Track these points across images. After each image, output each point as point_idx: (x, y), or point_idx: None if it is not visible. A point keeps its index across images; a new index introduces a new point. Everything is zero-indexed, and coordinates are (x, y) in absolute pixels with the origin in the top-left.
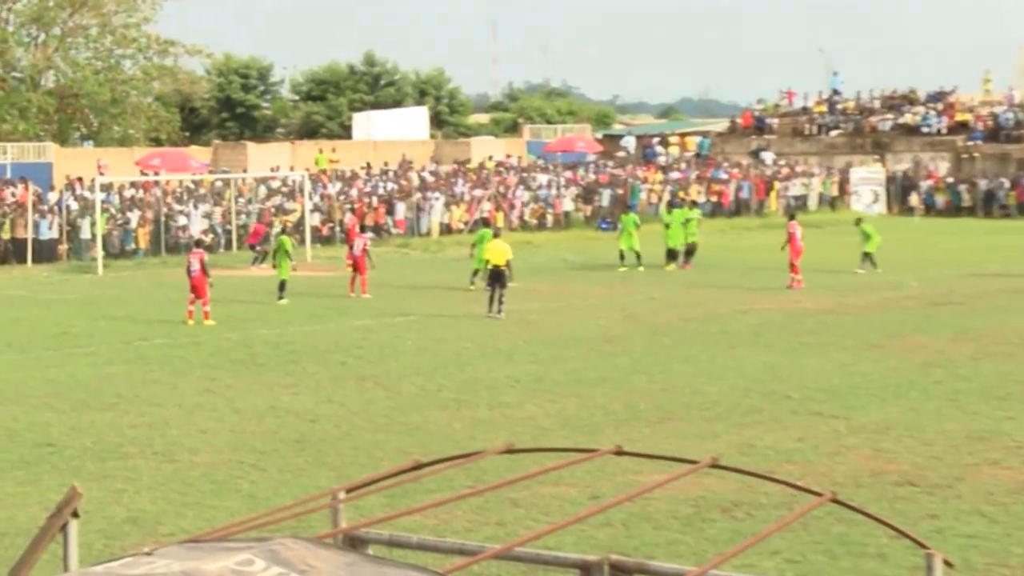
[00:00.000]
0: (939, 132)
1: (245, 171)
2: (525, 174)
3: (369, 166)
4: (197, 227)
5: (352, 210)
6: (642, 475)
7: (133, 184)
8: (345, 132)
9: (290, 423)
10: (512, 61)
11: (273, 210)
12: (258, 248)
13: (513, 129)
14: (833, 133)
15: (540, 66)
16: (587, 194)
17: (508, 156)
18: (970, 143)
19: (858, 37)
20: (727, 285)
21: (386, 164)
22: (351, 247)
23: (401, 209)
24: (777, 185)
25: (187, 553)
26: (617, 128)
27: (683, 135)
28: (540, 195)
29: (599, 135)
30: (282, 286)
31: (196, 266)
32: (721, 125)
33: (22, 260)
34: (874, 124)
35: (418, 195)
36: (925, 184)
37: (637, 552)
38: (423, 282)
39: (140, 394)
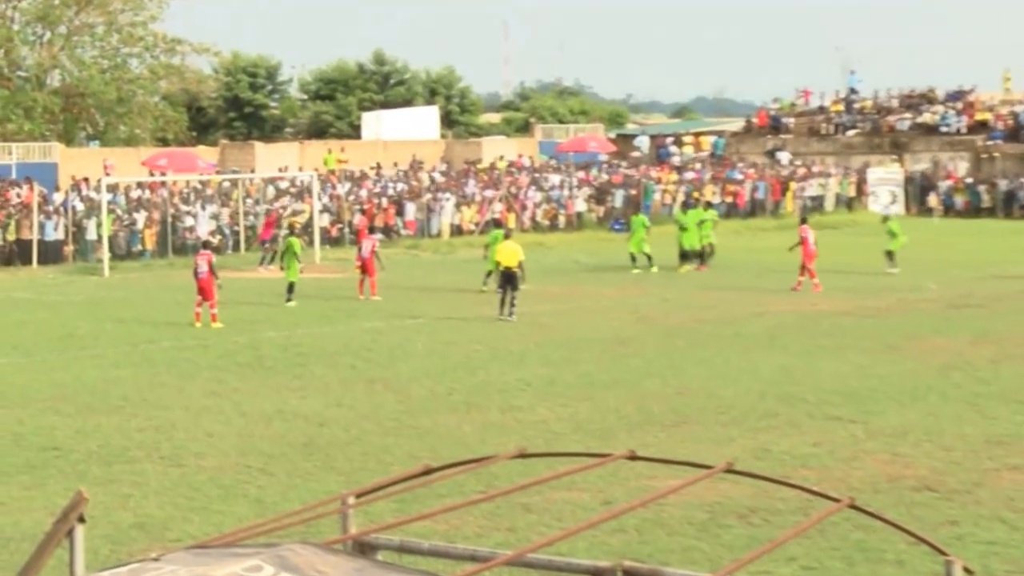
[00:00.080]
0: (958, 132)
1: (253, 171)
2: (537, 174)
3: (379, 166)
4: (204, 228)
5: (362, 211)
6: (656, 480)
7: (139, 185)
8: (354, 132)
9: (298, 427)
10: (524, 60)
11: (281, 211)
12: (267, 245)
13: (525, 129)
14: (850, 133)
15: (552, 65)
16: (600, 195)
17: (520, 156)
18: (990, 143)
19: (876, 35)
20: (742, 287)
21: (396, 164)
22: (359, 249)
23: (411, 210)
24: (793, 186)
25: (195, 559)
26: (630, 128)
27: (697, 135)
28: (552, 196)
29: (612, 135)
30: (290, 288)
31: (204, 268)
32: (736, 124)
33: (27, 262)
34: (892, 123)
35: (428, 196)
36: (944, 185)
37: (651, 559)
38: (433, 284)
39: (147, 397)
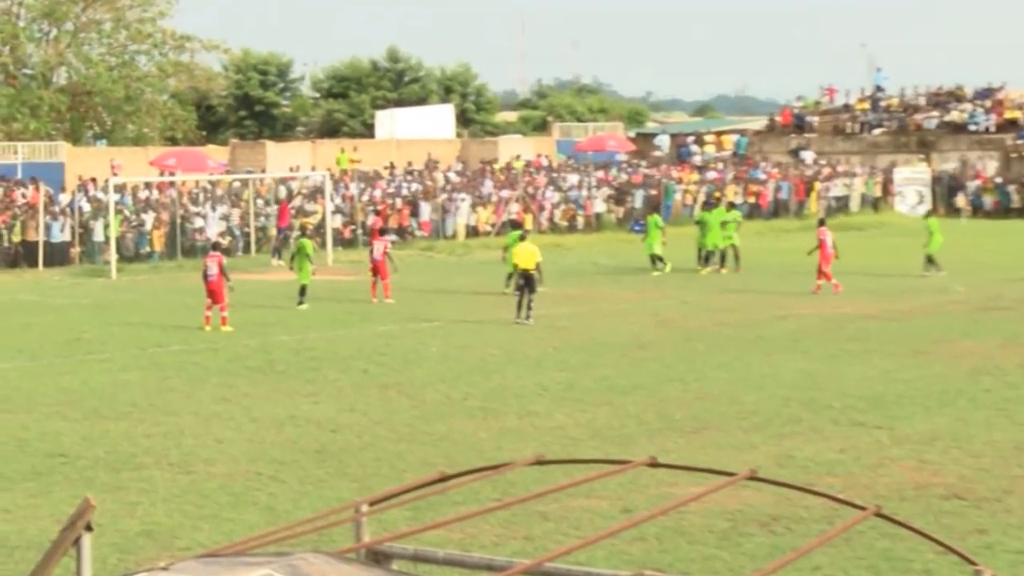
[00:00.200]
0: (987, 130)
1: (264, 171)
2: (555, 174)
3: (392, 166)
4: (214, 229)
5: (376, 212)
6: (677, 487)
7: (148, 185)
8: (367, 131)
9: (310, 433)
10: (541, 57)
11: (294, 212)
12: (281, 236)
13: (542, 127)
14: (876, 131)
15: (570, 62)
16: (619, 195)
17: (541, 156)
18: (1019, 141)
19: (903, 31)
20: (764, 289)
21: (410, 164)
22: (371, 251)
23: (426, 211)
24: (818, 186)
25: (204, 568)
26: (650, 126)
27: (719, 133)
28: (570, 196)
29: (632, 134)
30: (302, 291)
31: (214, 270)
32: (759, 123)
33: (33, 263)
34: (919, 122)
35: (443, 196)
36: (972, 184)
37: (671, 568)
38: (448, 286)
39: (155, 402)
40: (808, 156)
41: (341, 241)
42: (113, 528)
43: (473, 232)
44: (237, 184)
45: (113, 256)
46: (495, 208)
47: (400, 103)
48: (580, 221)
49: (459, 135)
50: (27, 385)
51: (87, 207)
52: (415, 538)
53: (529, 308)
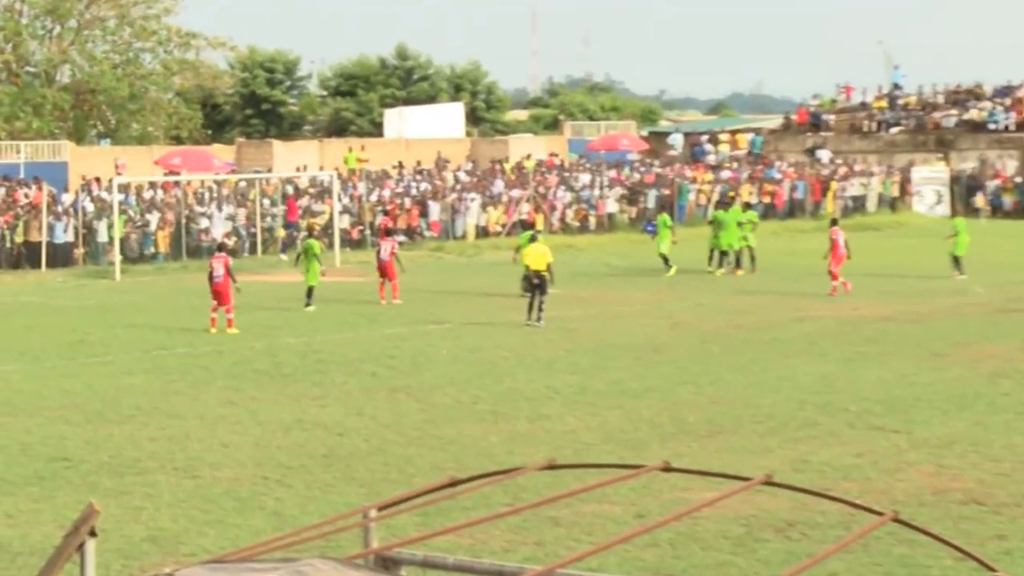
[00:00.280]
0: (1007, 129)
1: (270, 171)
2: (566, 174)
3: (401, 165)
4: (220, 230)
5: (385, 212)
6: (690, 492)
7: (152, 185)
8: (376, 129)
9: (318, 437)
10: (553, 54)
11: (301, 210)
12: (290, 231)
13: (553, 126)
14: (894, 130)
15: (582, 59)
16: (632, 195)
17: (553, 155)
18: None
19: (920, 27)
20: (780, 291)
21: (419, 163)
22: (378, 251)
23: (435, 211)
24: (834, 185)
25: (210, 574)
26: (664, 125)
27: (734, 132)
28: (582, 196)
29: (644, 132)
30: (310, 292)
31: (220, 271)
32: (774, 122)
33: (36, 264)
34: (937, 120)
35: (453, 196)
36: (992, 184)
37: (685, 574)
38: (458, 288)
39: (160, 406)
40: (824, 155)
41: (349, 242)
42: (117, 534)
43: (483, 233)
44: (243, 184)
45: (117, 257)
46: (505, 208)
47: (409, 101)
48: (592, 221)
49: (469, 134)
50: (30, 388)
51: (91, 207)
52: (424, 544)
53: (540, 310)
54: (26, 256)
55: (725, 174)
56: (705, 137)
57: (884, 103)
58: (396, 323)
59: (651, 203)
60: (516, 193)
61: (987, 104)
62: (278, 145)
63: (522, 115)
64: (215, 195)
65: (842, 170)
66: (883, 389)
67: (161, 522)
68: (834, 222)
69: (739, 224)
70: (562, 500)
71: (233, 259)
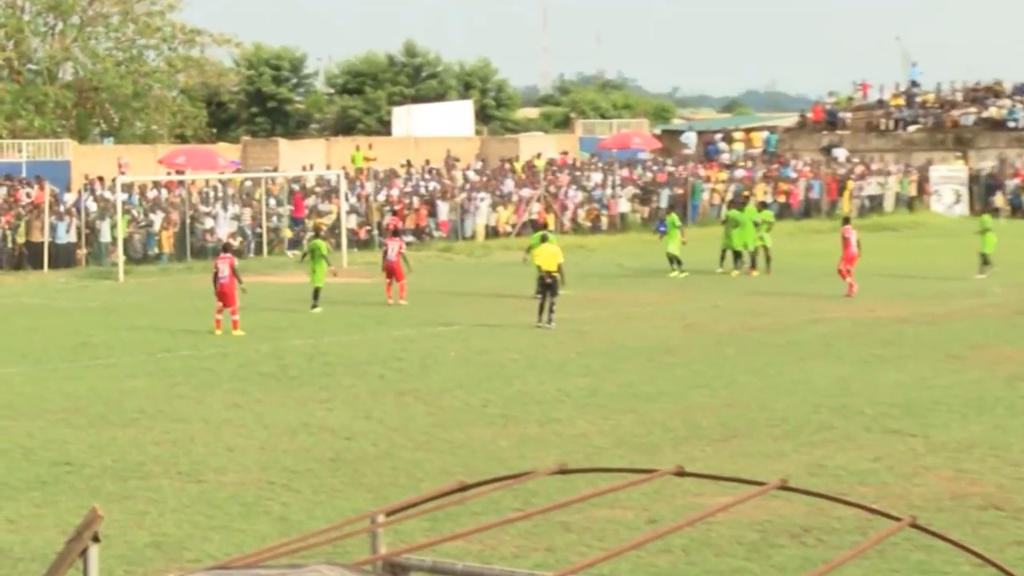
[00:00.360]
0: None
1: (276, 170)
2: (578, 173)
3: (409, 164)
4: (225, 230)
5: (393, 211)
6: (704, 497)
7: (156, 184)
8: (384, 128)
9: (324, 441)
10: (564, 51)
11: (308, 210)
12: (297, 229)
13: (565, 124)
14: (911, 128)
15: (594, 56)
16: (644, 194)
17: (564, 154)
18: None
19: (938, 24)
20: (795, 292)
21: (428, 162)
22: (385, 252)
23: (444, 210)
24: (850, 184)
25: None
26: (677, 123)
27: (748, 130)
28: (594, 195)
29: (657, 131)
30: (316, 294)
31: (226, 272)
32: (789, 120)
33: (38, 265)
34: (956, 118)
35: (462, 195)
36: (1011, 183)
37: None
38: (467, 289)
39: (164, 409)
40: (840, 154)
41: (356, 242)
42: (121, 539)
43: (493, 233)
44: (249, 183)
45: (120, 258)
46: (516, 208)
47: (417, 99)
48: (604, 221)
49: (478, 132)
50: (32, 391)
51: (94, 207)
52: (433, 549)
53: (551, 311)
54: (28, 257)
55: (739, 173)
56: (719, 135)
57: (901, 101)
58: (404, 325)
59: (664, 203)
60: (527, 193)
61: (1006, 102)
62: (284, 144)
63: (533, 113)
64: (220, 195)
65: (859, 169)
66: (900, 392)
67: (165, 527)
68: (846, 220)
69: (755, 224)
70: (573, 505)
71: (239, 260)
